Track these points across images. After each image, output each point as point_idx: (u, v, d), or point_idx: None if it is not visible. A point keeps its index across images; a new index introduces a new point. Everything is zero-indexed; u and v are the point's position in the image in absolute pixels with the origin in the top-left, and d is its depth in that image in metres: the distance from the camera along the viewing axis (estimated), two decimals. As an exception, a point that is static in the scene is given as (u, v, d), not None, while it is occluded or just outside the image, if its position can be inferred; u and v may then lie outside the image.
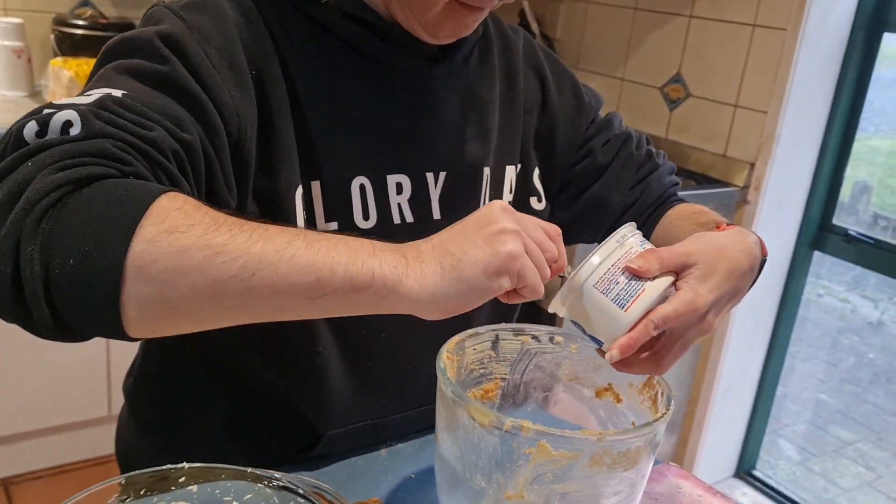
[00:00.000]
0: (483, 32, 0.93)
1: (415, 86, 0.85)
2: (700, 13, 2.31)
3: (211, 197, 0.69)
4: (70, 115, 0.57)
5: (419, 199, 0.86)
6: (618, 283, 0.70)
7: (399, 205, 0.85)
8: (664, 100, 2.44)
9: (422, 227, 0.86)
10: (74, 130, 0.57)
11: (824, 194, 2.32)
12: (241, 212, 0.67)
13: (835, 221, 2.31)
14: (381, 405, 0.91)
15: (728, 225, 0.87)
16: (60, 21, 2.27)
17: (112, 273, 0.52)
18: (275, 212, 0.77)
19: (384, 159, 0.83)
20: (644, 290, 0.70)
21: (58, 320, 0.54)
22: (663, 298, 0.71)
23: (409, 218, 0.86)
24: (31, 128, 0.57)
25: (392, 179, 0.84)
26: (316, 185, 0.80)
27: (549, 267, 0.67)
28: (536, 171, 0.98)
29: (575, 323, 0.74)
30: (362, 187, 0.82)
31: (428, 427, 0.85)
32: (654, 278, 0.71)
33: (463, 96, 0.89)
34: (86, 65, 2.10)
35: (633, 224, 0.76)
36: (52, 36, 2.28)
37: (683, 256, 0.72)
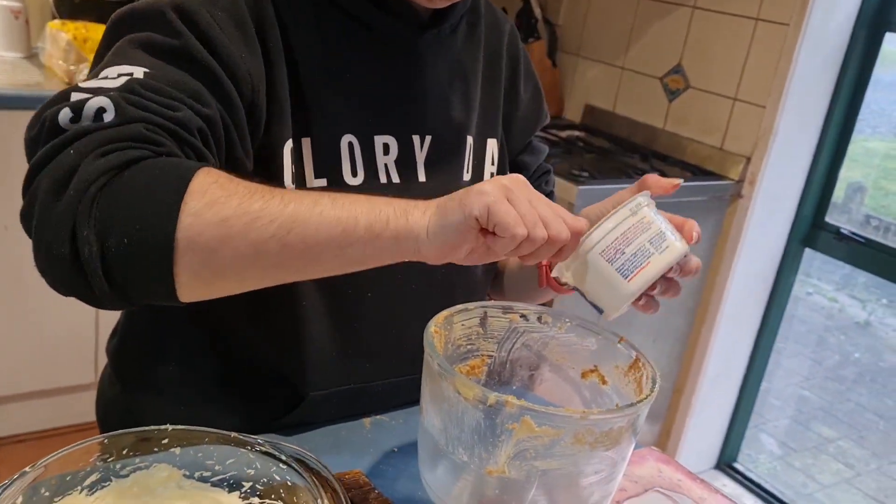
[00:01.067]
0: (472, 6, 0.95)
1: (404, 51, 0.87)
2: (703, 4, 2.30)
3: (230, 163, 0.73)
4: (103, 101, 0.61)
5: (405, 161, 0.88)
6: (623, 252, 0.71)
7: (385, 165, 0.87)
8: (664, 90, 2.43)
9: (407, 187, 0.88)
10: (108, 116, 0.61)
11: (818, 192, 2.32)
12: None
13: (827, 219, 2.32)
14: (364, 369, 0.92)
15: None
16: (60, -17, 2.26)
17: (164, 247, 0.58)
18: (265, 165, 0.79)
19: (372, 119, 0.86)
20: (649, 262, 0.71)
21: (116, 292, 0.60)
22: (668, 269, 0.73)
23: (395, 178, 0.88)
24: (65, 114, 0.62)
25: (379, 140, 0.86)
26: (306, 142, 0.82)
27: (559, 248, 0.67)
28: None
29: (577, 289, 0.76)
30: (350, 145, 0.84)
31: (413, 401, 0.86)
32: (664, 250, 0.72)
33: (449, 64, 0.92)
34: (84, 28, 2.09)
35: (648, 193, 0.77)
36: (51, -2, 2.26)
37: None
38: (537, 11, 2.69)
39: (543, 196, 0.67)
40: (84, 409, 2.18)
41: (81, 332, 2.11)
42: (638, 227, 0.72)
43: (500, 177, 0.66)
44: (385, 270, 0.87)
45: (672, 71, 2.41)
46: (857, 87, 2.21)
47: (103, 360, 2.12)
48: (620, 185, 2.02)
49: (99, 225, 0.58)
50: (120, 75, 0.65)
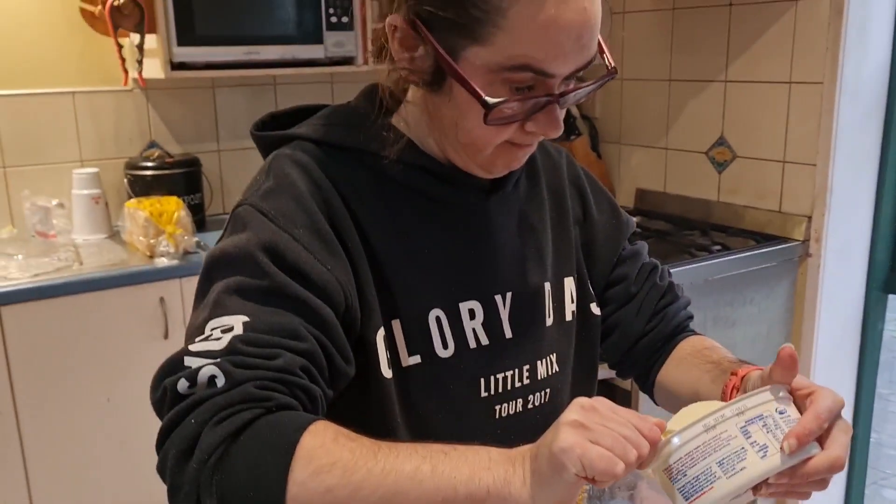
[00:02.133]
0: (529, 158, 0.98)
1: (473, 218, 0.91)
2: (735, 77, 2.35)
3: (336, 376, 0.78)
4: (213, 369, 0.68)
5: (491, 322, 0.91)
6: (685, 474, 0.66)
7: (473, 329, 0.90)
8: (711, 163, 2.47)
9: (497, 347, 0.91)
10: (219, 382, 0.68)
11: (889, 237, 2.29)
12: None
13: (904, 262, 2.29)
14: None
15: (742, 363, 0.89)
16: (131, 165, 2.44)
17: None
18: (363, 357, 0.82)
19: (454, 288, 0.89)
20: (713, 487, 0.66)
21: None
22: (741, 491, 0.67)
23: (484, 341, 0.90)
24: (182, 384, 0.69)
25: (464, 307, 0.89)
26: (396, 324, 0.85)
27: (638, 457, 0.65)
28: (588, 280, 1.02)
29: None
30: (438, 319, 0.87)
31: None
32: (736, 473, 0.66)
33: (517, 220, 0.95)
34: (158, 203, 2.24)
35: (740, 407, 0.69)
36: (125, 179, 2.45)
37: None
38: (574, 109, 2.79)
39: (610, 407, 0.66)
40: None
41: None
42: (710, 445, 0.66)
43: (568, 415, 0.64)
44: (484, 428, 0.89)
45: (716, 144, 2.44)
46: (905, 129, 2.21)
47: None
48: (686, 266, 2.03)
49: (219, 493, 0.64)
50: (223, 331, 0.71)
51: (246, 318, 0.72)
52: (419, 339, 0.86)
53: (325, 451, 0.65)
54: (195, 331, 0.74)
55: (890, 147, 2.22)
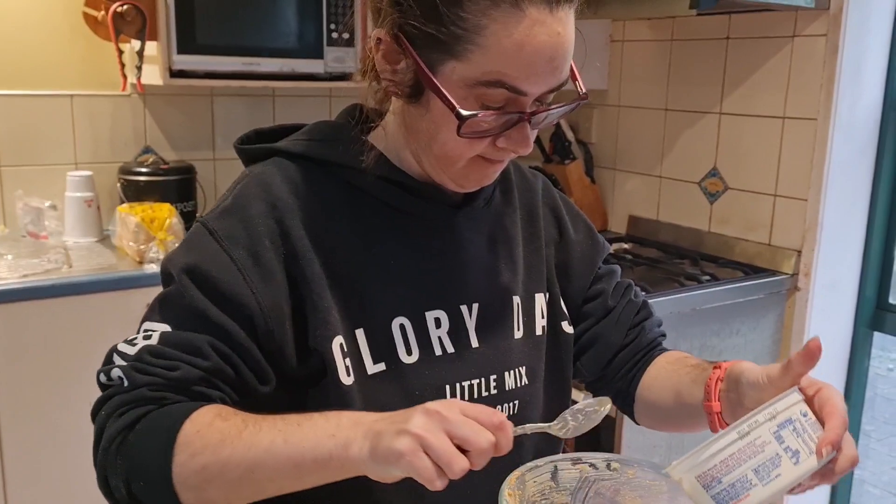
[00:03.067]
0: (504, 176, 1.02)
1: (441, 231, 0.94)
2: (729, 110, 2.38)
3: (246, 390, 0.86)
4: (120, 372, 0.81)
5: (457, 331, 0.93)
6: (720, 482, 0.68)
7: (439, 337, 0.92)
8: (703, 194, 2.48)
9: (462, 355, 0.93)
10: (125, 383, 0.81)
11: (877, 273, 2.31)
12: (287, 377, 0.88)
13: (892, 299, 2.30)
14: None
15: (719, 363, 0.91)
16: (125, 170, 2.44)
17: (168, 489, 0.76)
18: (318, 367, 0.86)
19: (420, 298, 0.92)
20: (749, 495, 0.67)
21: None
22: (778, 495, 0.69)
23: (450, 349, 0.93)
24: (102, 378, 0.83)
25: (430, 315, 0.92)
26: (360, 333, 0.88)
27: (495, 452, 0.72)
28: (562, 299, 1.06)
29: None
30: (402, 326, 0.90)
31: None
32: (772, 480, 0.68)
33: (489, 234, 0.98)
34: (150, 209, 2.24)
35: (771, 412, 0.71)
36: (119, 184, 2.45)
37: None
38: (569, 134, 2.80)
39: (458, 409, 0.71)
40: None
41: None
42: (745, 452, 0.67)
43: (417, 415, 0.70)
44: None
45: (709, 174, 2.46)
46: (897, 167, 2.23)
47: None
48: (675, 295, 2.04)
49: (122, 475, 0.78)
50: (145, 338, 0.83)
51: (167, 329, 0.83)
52: (383, 347, 0.89)
53: (199, 435, 0.76)
54: (138, 326, 0.86)
55: (880, 185, 2.24)
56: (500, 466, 0.84)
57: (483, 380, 0.95)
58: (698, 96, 2.46)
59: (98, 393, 0.84)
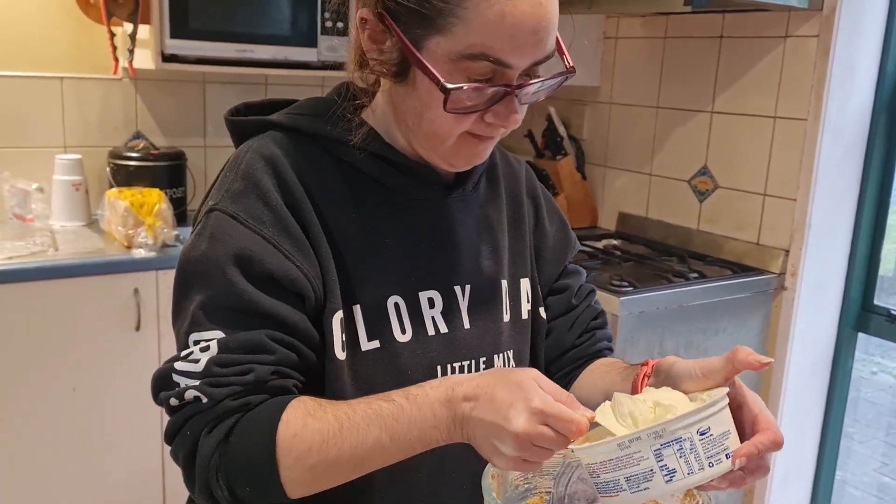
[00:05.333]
0: (491, 163, 1.03)
1: (433, 212, 0.95)
2: (721, 109, 2.38)
3: (309, 367, 0.87)
4: (195, 392, 0.80)
5: (450, 311, 0.94)
6: (598, 476, 0.73)
7: (433, 317, 0.93)
8: (693, 192, 2.49)
9: (454, 336, 0.94)
10: (203, 400, 0.80)
11: (863, 275, 2.32)
12: None
13: (877, 301, 2.31)
14: None
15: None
16: (115, 154, 2.43)
17: (278, 492, 0.79)
18: (319, 338, 0.87)
19: (414, 278, 0.92)
20: (618, 496, 0.72)
21: None
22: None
23: (443, 328, 0.93)
24: (174, 402, 0.82)
25: (424, 295, 0.92)
26: (357, 309, 0.88)
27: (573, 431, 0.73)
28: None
29: None
30: (397, 305, 0.90)
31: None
32: (641, 490, 0.71)
33: (476, 219, 0.99)
34: (140, 194, 2.23)
35: (658, 431, 0.71)
36: (108, 168, 2.43)
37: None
38: (561, 129, 2.80)
39: (552, 421, 0.72)
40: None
41: (147, 478, 2.16)
42: (622, 462, 0.71)
43: (519, 420, 0.71)
44: None
45: (699, 173, 2.47)
46: (885, 168, 2.24)
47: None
48: (663, 291, 2.05)
49: (226, 484, 0.80)
50: (202, 350, 0.82)
51: (221, 335, 0.82)
52: (378, 325, 0.89)
53: (299, 439, 0.78)
54: (181, 340, 0.85)
55: (868, 186, 2.25)
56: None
57: (473, 361, 0.95)
58: (690, 95, 2.47)
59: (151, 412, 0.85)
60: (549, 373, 1.09)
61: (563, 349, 1.08)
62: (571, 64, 0.86)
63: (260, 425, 0.79)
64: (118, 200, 2.19)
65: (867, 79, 2.20)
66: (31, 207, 2.29)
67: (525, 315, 1.02)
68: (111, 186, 2.39)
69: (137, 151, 2.43)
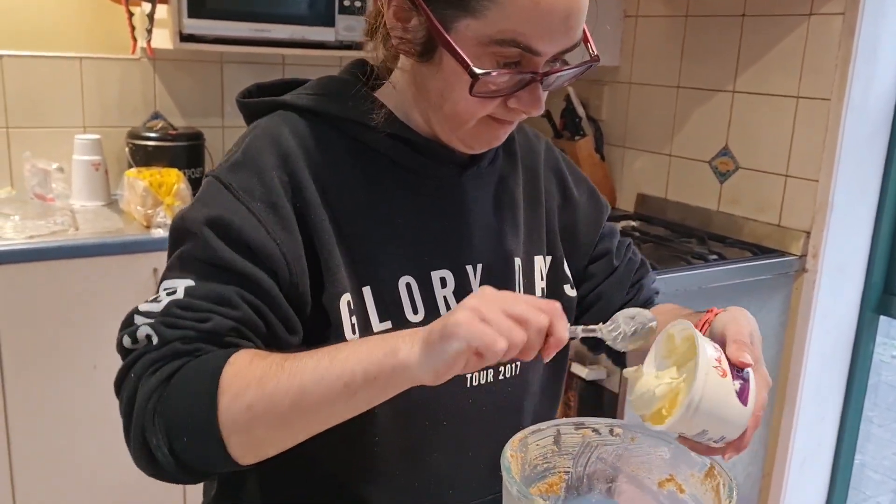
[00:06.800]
0: (508, 137, 1.00)
1: (447, 190, 0.94)
2: (742, 88, 2.35)
3: (275, 341, 0.83)
4: (148, 330, 0.77)
5: (462, 291, 0.93)
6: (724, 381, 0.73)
7: (445, 297, 0.92)
8: (714, 173, 2.47)
9: None
10: (153, 340, 0.77)
11: (885, 258, 2.29)
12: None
13: (899, 284, 2.29)
14: (440, 498, 0.94)
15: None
16: (134, 134, 2.44)
17: (215, 438, 0.73)
18: (325, 323, 0.85)
19: (426, 257, 0.91)
20: (748, 380, 0.74)
21: (193, 476, 0.78)
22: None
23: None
24: (126, 340, 0.79)
25: (436, 275, 0.92)
26: (367, 290, 0.88)
27: (546, 339, 0.72)
28: (565, 262, 1.06)
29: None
30: (408, 285, 0.90)
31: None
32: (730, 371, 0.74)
33: (494, 195, 0.98)
34: (158, 174, 2.24)
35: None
36: (127, 149, 2.44)
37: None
38: (580, 110, 2.78)
39: (512, 295, 0.71)
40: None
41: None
42: (715, 356, 0.74)
43: (469, 299, 0.70)
44: (456, 395, 0.92)
45: (720, 154, 2.44)
46: (910, 150, 2.21)
47: (191, 495, 2.18)
48: (682, 273, 2.04)
49: (162, 433, 0.74)
50: (168, 294, 0.79)
51: (191, 283, 0.80)
52: (390, 305, 0.88)
53: (240, 376, 0.73)
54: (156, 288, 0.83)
55: (892, 168, 2.22)
56: (502, 431, 0.84)
57: None
58: (711, 74, 2.44)
59: (116, 360, 0.80)
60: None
61: (615, 309, 1.04)
62: (596, 53, 0.85)
63: (205, 365, 0.75)
64: (137, 180, 2.20)
65: (892, 59, 2.16)
66: (52, 187, 2.30)
67: (539, 293, 1.01)
68: (130, 166, 2.40)
69: (156, 132, 2.44)
